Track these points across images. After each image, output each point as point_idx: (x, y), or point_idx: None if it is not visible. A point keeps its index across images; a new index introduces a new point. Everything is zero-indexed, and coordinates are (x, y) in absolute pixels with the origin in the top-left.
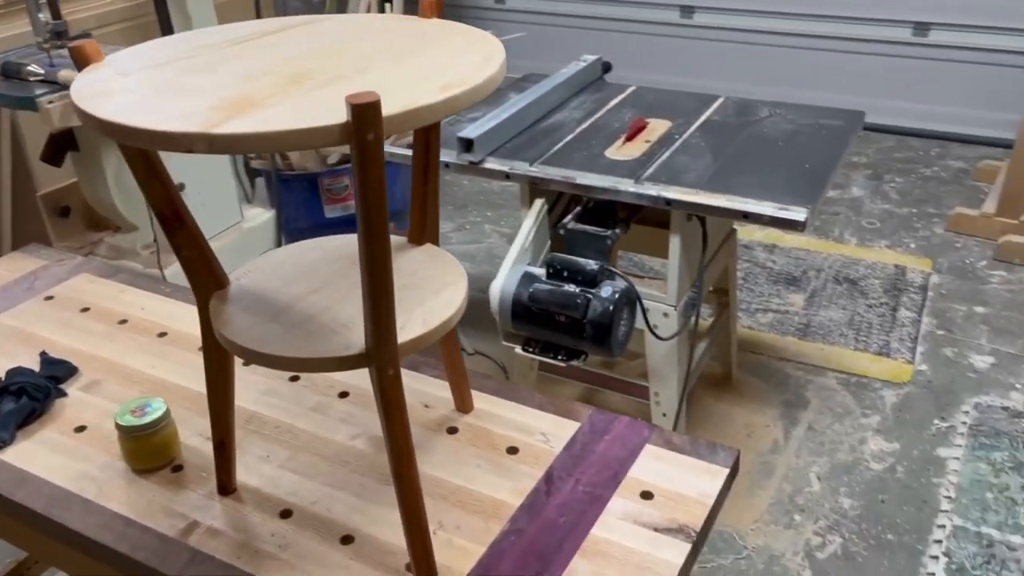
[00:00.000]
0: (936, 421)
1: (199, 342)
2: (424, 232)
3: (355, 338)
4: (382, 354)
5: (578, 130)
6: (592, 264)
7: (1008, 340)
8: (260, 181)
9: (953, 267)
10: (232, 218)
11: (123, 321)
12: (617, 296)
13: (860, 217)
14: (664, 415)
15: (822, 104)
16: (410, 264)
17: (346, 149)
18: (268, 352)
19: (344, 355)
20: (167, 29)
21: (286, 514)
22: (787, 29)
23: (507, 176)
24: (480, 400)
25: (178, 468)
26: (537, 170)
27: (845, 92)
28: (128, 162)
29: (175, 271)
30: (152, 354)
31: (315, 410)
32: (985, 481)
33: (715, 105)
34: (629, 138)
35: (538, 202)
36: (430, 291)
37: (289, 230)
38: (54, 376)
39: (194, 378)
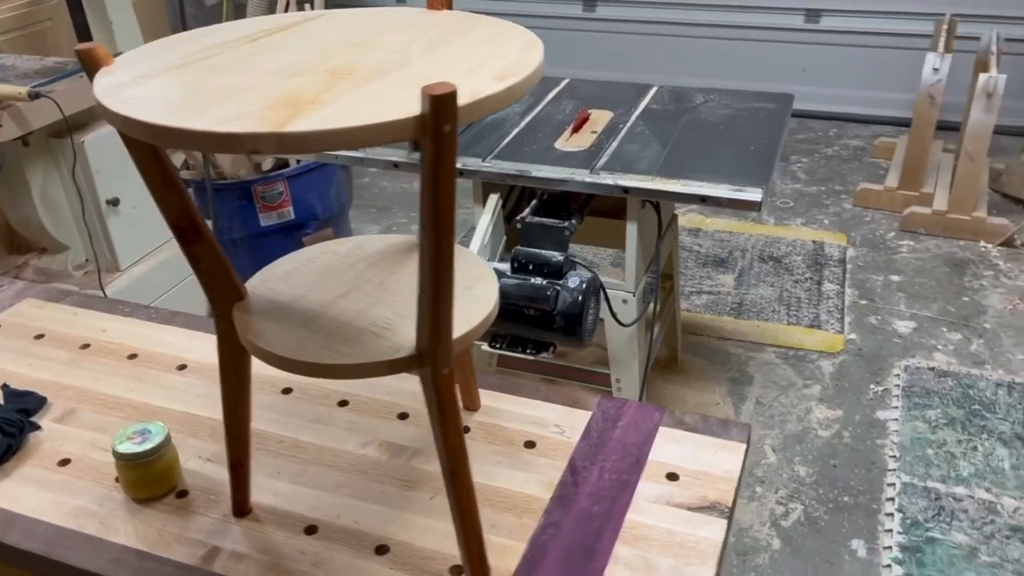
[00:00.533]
0: (872, 386)
1: (174, 361)
2: None
3: (401, 340)
4: (438, 353)
5: (523, 124)
6: (557, 256)
7: (924, 304)
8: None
9: (865, 240)
10: (167, 232)
11: (85, 346)
12: (584, 286)
13: (774, 198)
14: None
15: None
16: None
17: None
18: (315, 361)
19: (395, 358)
20: (84, 34)
21: (311, 530)
22: (686, 19)
23: (460, 173)
24: (485, 397)
25: (183, 494)
26: (491, 165)
27: (744, 79)
28: (144, 172)
29: (118, 289)
30: (126, 377)
31: (317, 422)
32: (924, 438)
33: (651, 94)
34: (575, 129)
35: (493, 197)
36: (462, 287)
37: (223, 241)
38: (24, 409)
39: (177, 398)
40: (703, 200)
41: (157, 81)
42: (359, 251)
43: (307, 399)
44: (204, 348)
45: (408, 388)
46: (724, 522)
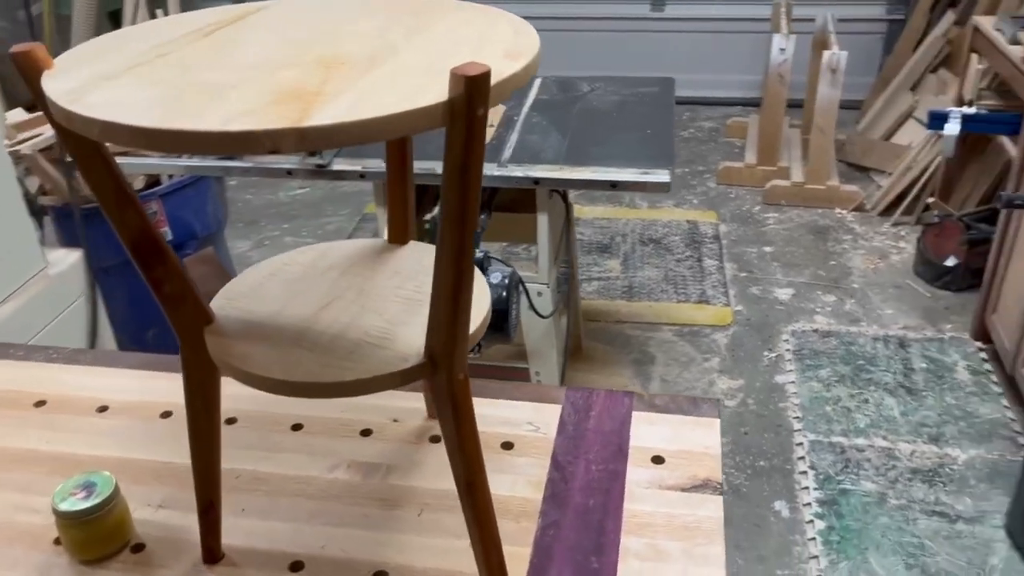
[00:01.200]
0: (765, 353)
1: (91, 403)
2: (407, 230)
3: (404, 348)
4: (454, 358)
5: None
6: (476, 253)
7: (797, 271)
8: (47, 220)
9: (734, 215)
10: (36, 265)
11: None
12: (507, 281)
13: None
14: None
15: None
16: (411, 264)
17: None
18: (318, 381)
19: (406, 368)
20: None
21: (297, 566)
22: (540, 13)
23: (361, 176)
24: None
25: (139, 548)
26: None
27: (595, 69)
28: (97, 191)
29: None
30: (38, 427)
31: (273, 450)
32: (821, 397)
33: (536, 84)
34: None
35: None
36: None
37: (93, 270)
38: None
39: (104, 444)
40: (614, 186)
41: (122, 82)
42: (324, 259)
43: (256, 427)
44: (124, 385)
45: (365, 403)
46: (719, 498)
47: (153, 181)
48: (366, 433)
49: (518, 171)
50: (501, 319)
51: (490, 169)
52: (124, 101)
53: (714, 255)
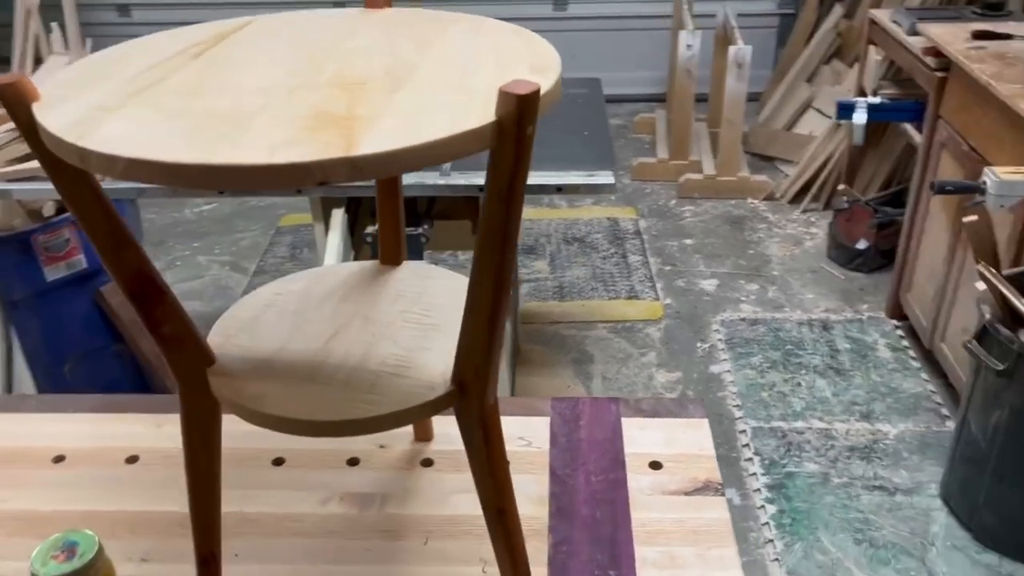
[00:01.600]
0: (698, 344)
1: (46, 454)
2: (400, 250)
3: (428, 376)
4: (484, 384)
5: None
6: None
7: (719, 262)
8: None
9: (652, 210)
10: None
11: None
12: None
13: None
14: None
15: None
16: (412, 286)
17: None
18: (344, 419)
19: (435, 397)
20: None
21: None
22: None
23: (298, 191)
24: (434, 424)
25: None
26: None
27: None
28: (93, 231)
29: None
30: None
31: (257, 487)
32: (756, 384)
33: None
34: None
35: (338, 213)
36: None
37: (3, 302)
38: None
39: (68, 497)
40: (559, 189)
41: (129, 113)
42: (319, 286)
43: (234, 465)
44: (79, 431)
45: None
46: (723, 499)
47: (63, 208)
48: (353, 462)
49: (461, 179)
50: None
51: (432, 178)
52: (142, 134)
53: (638, 250)
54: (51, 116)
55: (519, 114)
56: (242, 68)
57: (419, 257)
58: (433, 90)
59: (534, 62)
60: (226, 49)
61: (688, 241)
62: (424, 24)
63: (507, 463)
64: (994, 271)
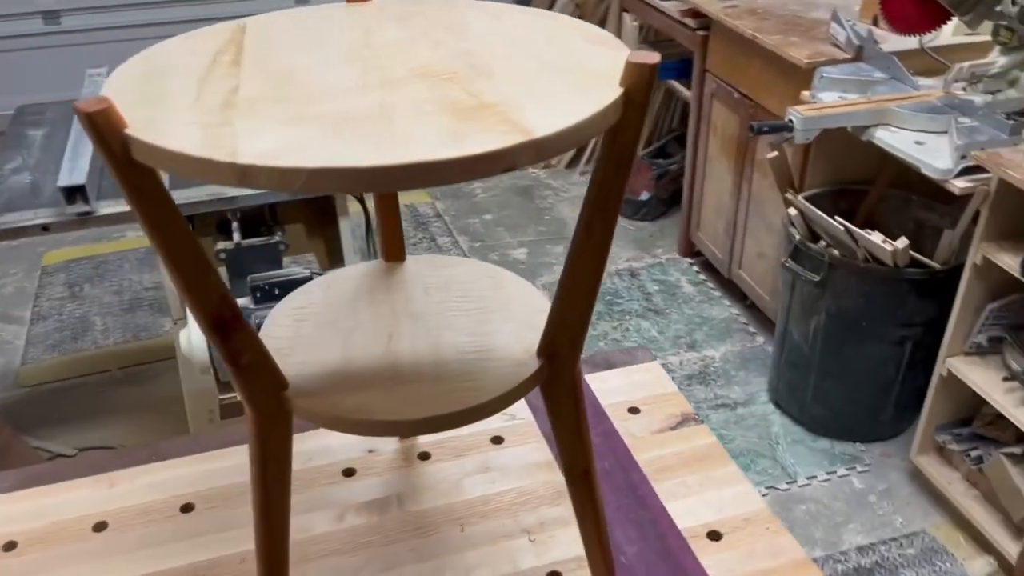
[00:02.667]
0: None
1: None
2: (402, 246)
3: (514, 355)
4: (578, 352)
5: None
6: (303, 271)
7: (522, 231)
8: None
9: (444, 192)
10: None
11: None
12: None
13: None
14: None
15: None
16: (433, 278)
17: None
18: (457, 409)
19: (531, 372)
20: None
21: None
22: None
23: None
24: None
25: None
26: (176, 196)
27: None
28: (176, 261)
29: None
30: None
31: None
32: (591, 336)
33: None
34: None
35: None
36: (500, 289)
37: None
38: None
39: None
40: None
41: (250, 126)
42: (338, 294)
43: (224, 506)
44: (16, 513)
45: (322, 445)
46: (704, 426)
47: None
48: (349, 473)
49: None
50: None
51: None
52: (304, 143)
53: (444, 232)
54: (164, 139)
55: (647, 83)
56: (302, 73)
57: (279, 266)
58: (529, 74)
59: (586, 35)
60: (258, 55)
61: (488, 216)
62: (429, 11)
63: (588, 426)
64: (800, 197)
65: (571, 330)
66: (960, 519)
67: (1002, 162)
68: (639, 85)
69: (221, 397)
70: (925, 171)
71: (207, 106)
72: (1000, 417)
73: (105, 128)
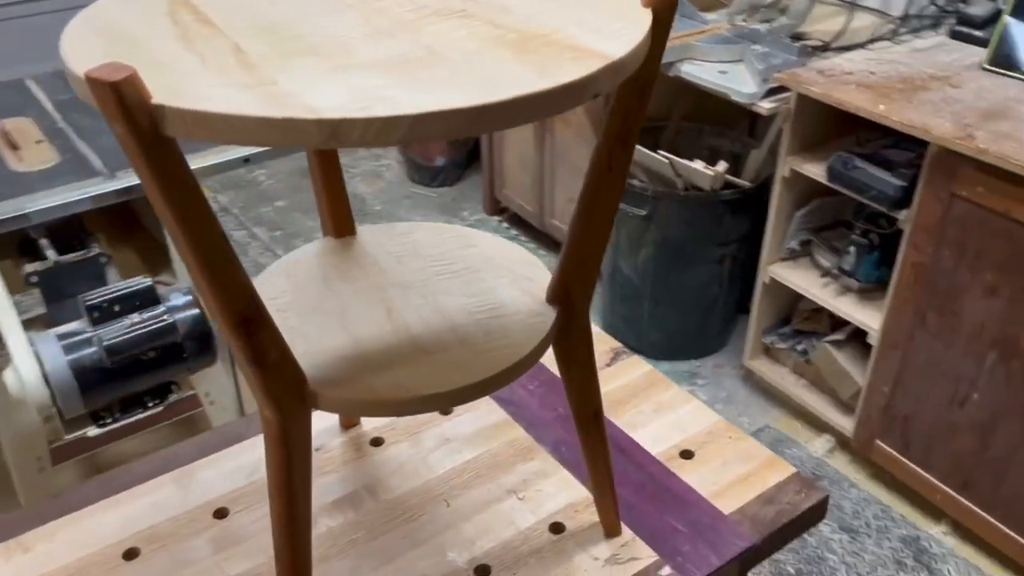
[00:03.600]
0: None
1: None
2: (351, 220)
3: (528, 307)
4: (591, 294)
5: None
6: (143, 282)
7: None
8: None
9: (224, 184)
10: None
11: None
12: (192, 299)
13: None
14: (223, 408)
15: None
16: (400, 247)
17: None
18: (496, 371)
19: (552, 320)
20: None
21: None
22: None
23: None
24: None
25: None
26: None
27: None
28: (203, 255)
29: None
30: None
31: (233, 545)
32: None
33: (36, 87)
34: (12, 147)
35: None
36: (473, 247)
37: None
38: None
39: None
40: (247, 160)
41: (298, 81)
42: (305, 278)
43: (173, 545)
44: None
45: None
46: (638, 356)
47: None
48: None
49: (135, 177)
50: (207, 339)
51: (93, 187)
52: (377, 91)
53: (238, 226)
54: (220, 105)
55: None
56: (295, 25)
57: (103, 282)
58: (547, 5)
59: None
60: (221, 10)
61: (280, 203)
62: None
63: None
64: None
65: (586, 272)
66: (795, 408)
67: (801, 80)
68: (664, 3)
69: (66, 438)
70: (735, 97)
71: (224, 67)
72: (816, 311)
73: (134, 99)
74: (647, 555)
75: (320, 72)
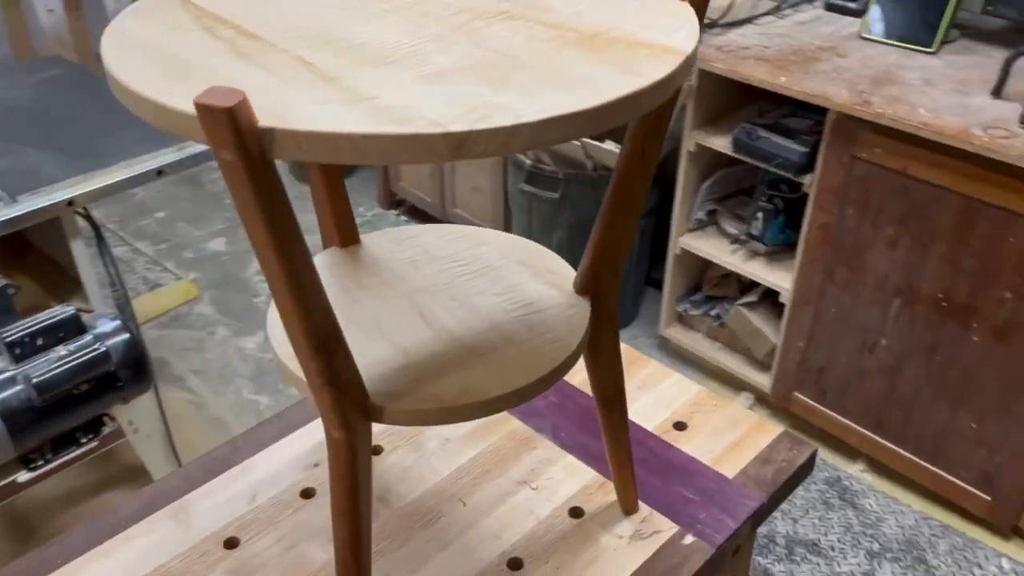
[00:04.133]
0: (254, 299)
1: None
2: (355, 229)
3: (561, 301)
4: (619, 279)
5: None
6: (65, 310)
7: (206, 222)
8: None
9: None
10: None
11: None
12: (121, 323)
13: None
14: (148, 436)
15: None
16: (411, 252)
17: None
18: (554, 366)
19: (587, 311)
20: None
21: None
22: None
23: None
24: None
25: None
26: None
27: None
28: (293, 279)
29: None
30: None
31: (238, 569)
32: None
33: None
34: None
35: None
36: (484, 244)
37: None
38: None
39: None
40: (160, 172)
41: (397, 95)
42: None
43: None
44: None
45: (256, 478)
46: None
47: None
48: (308, 495)
49: (41, 201)
50: (142, 364)
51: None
52: (478, 101)
53: (118, 242)
54: (335, 124)
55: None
56: (348, 34)
57: (13, 314)
58: (588, 2)
59: None
60: (257, 22)
61: (160, 214)
62: None
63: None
64: None
65: (614, 260)
66: (712, 371)
67: (703, 57)
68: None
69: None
70: None
71: (305, 81)
72: (724, 276)
73: (246, 124)
74: (668, 527)
75: (408, 82)
